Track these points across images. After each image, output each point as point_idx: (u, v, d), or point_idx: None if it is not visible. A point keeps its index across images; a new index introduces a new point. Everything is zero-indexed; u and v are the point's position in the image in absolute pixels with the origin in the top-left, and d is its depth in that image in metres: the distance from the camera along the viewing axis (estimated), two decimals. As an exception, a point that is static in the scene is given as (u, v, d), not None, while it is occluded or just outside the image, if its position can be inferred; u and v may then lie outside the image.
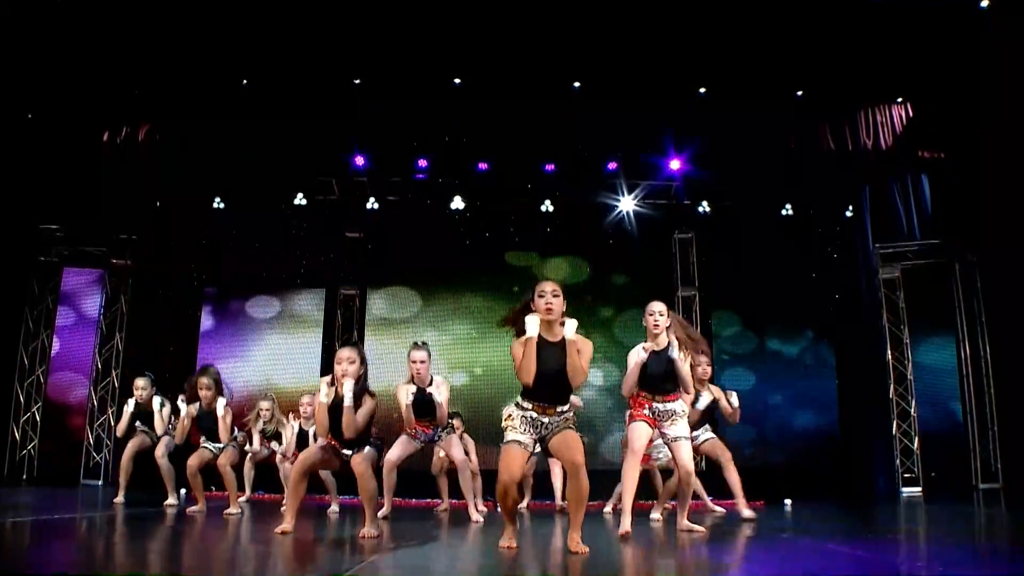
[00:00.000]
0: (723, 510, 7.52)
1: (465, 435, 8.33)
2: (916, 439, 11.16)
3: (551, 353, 4.29)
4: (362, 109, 11.02)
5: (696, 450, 6.66)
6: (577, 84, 11.05)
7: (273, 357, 11.53)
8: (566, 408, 4.32)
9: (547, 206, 12.07)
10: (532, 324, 4.27)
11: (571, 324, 4.29)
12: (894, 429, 11.20)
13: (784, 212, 12.19)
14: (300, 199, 11.95)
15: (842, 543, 4.89)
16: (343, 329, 11.57)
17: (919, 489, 10.95)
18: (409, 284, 11.98)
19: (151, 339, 11.25)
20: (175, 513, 6.51)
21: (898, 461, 11.13)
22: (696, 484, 7.27)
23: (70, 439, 11.29)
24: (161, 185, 11.56)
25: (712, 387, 6.84)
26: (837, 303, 11.98)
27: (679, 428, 5.26)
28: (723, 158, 11.50)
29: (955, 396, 11.39)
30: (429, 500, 8.61)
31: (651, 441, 5.50)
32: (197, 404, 6.75)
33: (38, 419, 11.24)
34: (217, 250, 11.86)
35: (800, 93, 11.20)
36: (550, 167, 11.83)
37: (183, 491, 7.74)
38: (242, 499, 8.41)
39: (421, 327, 11.68)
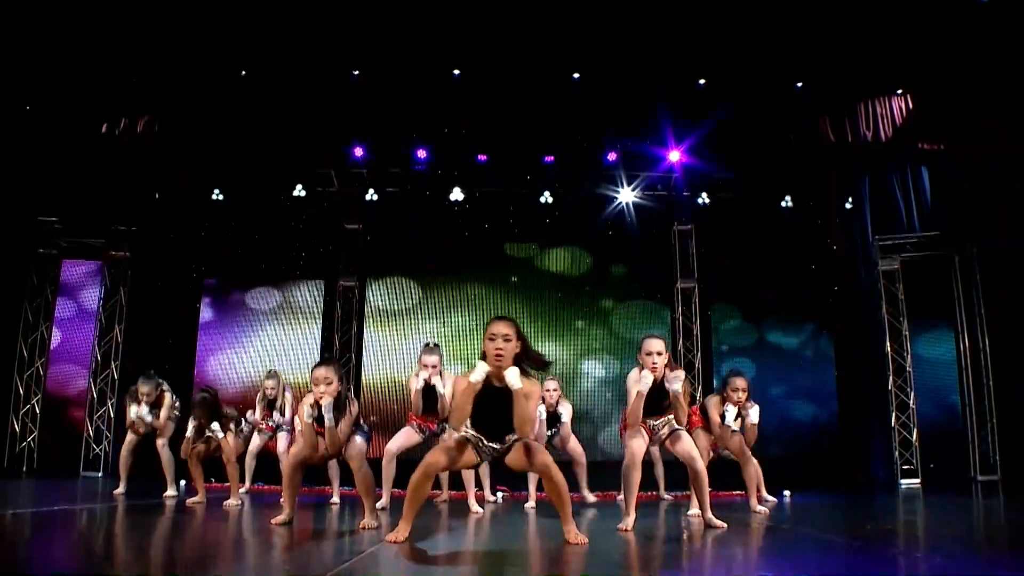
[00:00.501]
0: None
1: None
2: (915, 431, 11.17)
3: (497, 396, 4.17)
4: (361, 100, 11.00)
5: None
6: (576, 75, 11.03)
7: (272, 348, 11.52)
8: (513, 436, 4.25)
9: (546, 197, 12.05)
10: (479, 371, 4.11)
11: (512, 373, 4.09)
12: (893, 421, 11.21)
13: (784, 204, 12.18)
14: (299, 191, 11.94)
15: (841, 534, 4.90)
16: (342, 320, 11.56)
17: (917, 481, 10.96)
18: (408, 275, 11.98)
19: (150, 331, 11.25)
20: (174, 505, 6.52)
21: (897, 453, 11.14)
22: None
23: (70, 431, 11.30)
24: (160, 177, 11.54)
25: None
26: (836, 295, 11.98)
27: (671, 425, 5.20)
28: (723, 149, 11.48)
29: (954, 388, 11.41)
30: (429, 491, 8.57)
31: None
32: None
33: (38, 411, 11.24)
34: (216, 242, 11.86)
35: (800, 84, 11.18)
36: (549, 158, 11.82)
37: (183, 482, 7.74)
38: (241, 490, 8.43)
39: (420, 318, 11.69)
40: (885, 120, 11.41)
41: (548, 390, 7.34)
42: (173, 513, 5.82)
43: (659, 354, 5.05)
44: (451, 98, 11.03)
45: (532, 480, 7.37)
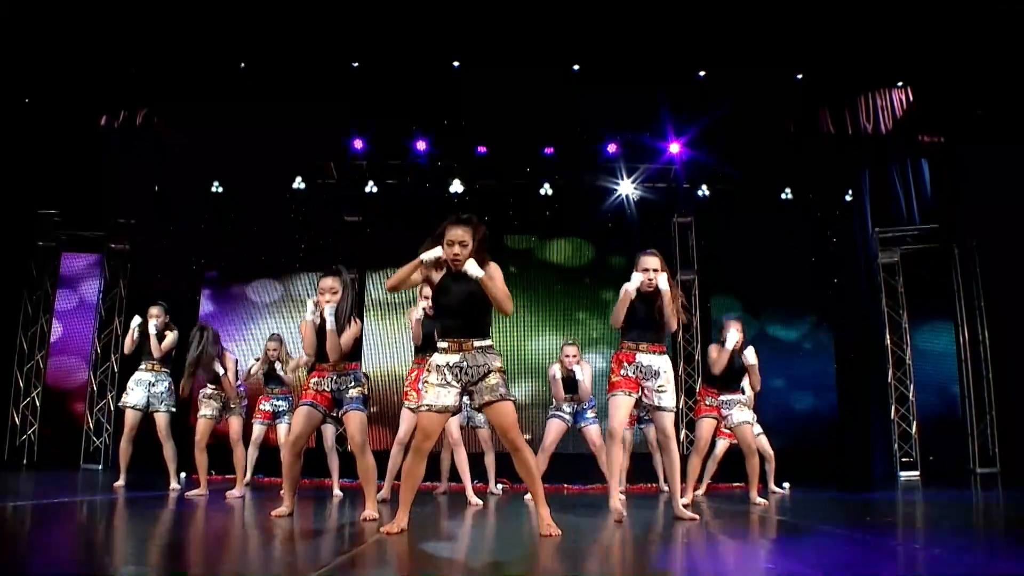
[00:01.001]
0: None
1: None
2: (914, 423, 11.19)
3: (456, 282, 4.19)
4: (360, 92, 10.97)
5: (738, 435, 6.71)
6: (576, 67, 11.00)
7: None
8: (487, 343, 4.17)
9: (546, 189, 12.04)
10: (431, 253, 4.23)
11: (470, 265, 4.12)
12: (892, 413, 11.22)
13: (784, 196, 12.17)
14: (299, 183, 11.94)
15: (840, 526, 4.90)
16: (342, 313, 11.54)
17: (917, 473, 10.98)
18: (408, 268, 11.95)
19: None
20: (176, 497, 6.52)
21: (896, 445, 11.16)
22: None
23: (70, 424, 11.31)
24: (159, 169, 11.53)
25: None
26: (836, 287, 11.99)
27: (667, 399, 4.98)
28: (723, 142, 11.46)
29: (953, 381, 11.41)
30: (427, 483, 8.52)
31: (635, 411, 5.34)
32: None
33: (38, 404, 11.25)
34: (216, 234, 11.87)
35: (800, 76, 11.16)
36: (549, 150, 11.80)
37: (183, 475, 7.74)
38: (235, 494, 8.43)
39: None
40: (885, 112, 11.38)
41: (567, 356, 7.30)
42: (174, 506, 5.83)
43: (656, 270, 4.97)
44: (450, 90, 11.00)
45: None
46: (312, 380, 5.00)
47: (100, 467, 10.86)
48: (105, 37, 9.97)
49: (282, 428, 7.84)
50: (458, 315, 4.17)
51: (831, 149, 11.64)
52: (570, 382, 7.28)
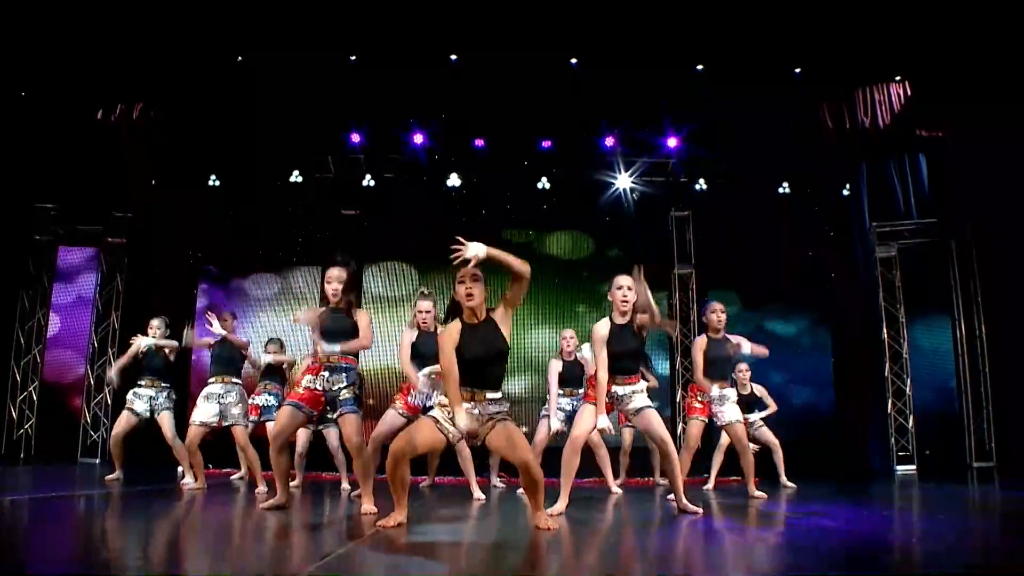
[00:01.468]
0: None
1: None
2: (911, 418, 11.20)
3: (475, 335, 4.19)
4: (358, 86, 10.95)
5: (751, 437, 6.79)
6: (574, 61, 10.99)
7: (269, 334, 11.50)
8: (497, 395, 4.20)
9: (544, 183, 12.03)
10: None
11: (476, 248, 4.09)
12: (889, 408, 11.24)
13: (781, 190, 12.16)
14: (296, 176, 11.91)
15: (837, 520, 4.91)
16: (340, 307, 11.54)
17: (913, 467, 11.00)
18: (406, 261, 11.97)
19: (147, 317, 11.20)
20: (172, 491, 6.52)
21: (893, 439, 11.18)
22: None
23: (67, 418, 11.31)
24: (156, 163, 11.51)
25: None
26: (833, 281, 11.98)
27: (639, 399, 5.08)
28: (720, 136, 11.45)
29: (950, 375, 11.41)
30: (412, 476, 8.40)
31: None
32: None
33: (35, 398, 11.25)
34: (213, 228, 11.85)
35: (798, 71, 11.15)
36: (547, 144, 11.79)
37: (180, 469, 7.73)
38: (236, 476, 8.44)
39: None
40: (883, 107, 11.38)
41: (566, 338, 7.43)
42: (169, 499, 5.82)
43: (629, 288, 5.06)
44: (448, 84, 10.99)
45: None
46: (305, 378, 5.00)
47: (97, 461, 10.86)
48: (102, 30, 9.94)
49: (271, 425, 7.83)
50: (476, 368, 4.18)
51: (829, 143, 11.63)
52: (570, 372, 7.30)
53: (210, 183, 11.86)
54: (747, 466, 6.61)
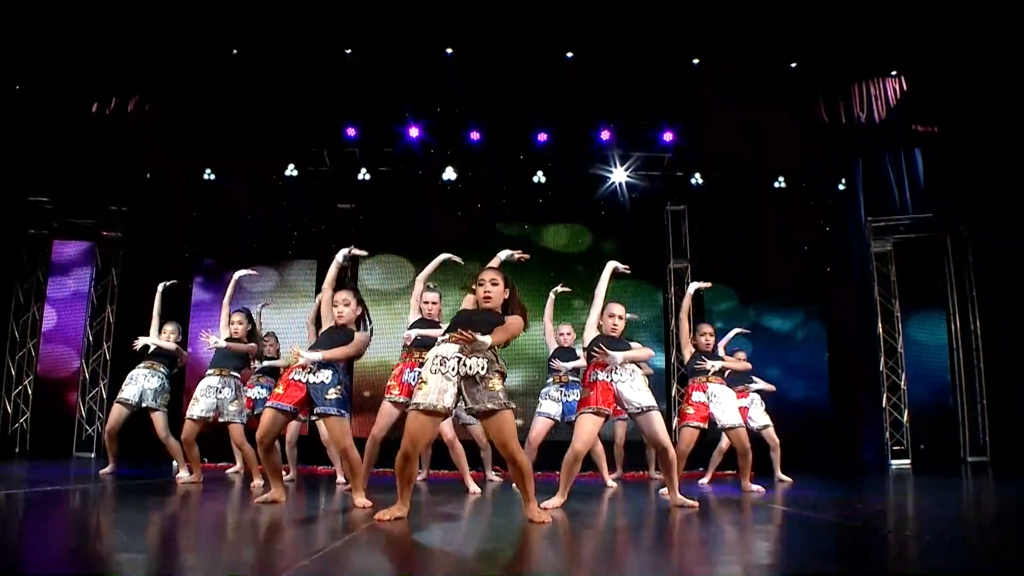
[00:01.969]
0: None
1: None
2: (906, 412, 11.22)
3: (476, 311, 4.41)
4: (353, 79, 10.93)
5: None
6: (570, 54, 10.97)
7: (264, 328, 11.48)
8: (486, 340, 4.09)
9: (539, 177, 12.01)
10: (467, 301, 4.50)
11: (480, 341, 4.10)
12: (884, 402, 11.26)
13: (777, 185, 12.15)
14: (291, 170, 11.87)
15: (831, 514, 4.92)
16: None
17: (908, 462, 11.03)
18: (401, 255, 11.95)
19: (142, 311, 11.20)
20: (168, 485, 6.51)
21: (887, 434, 11.20)
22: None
23: (62, 412, 11.29)
24: (151, 156, 11.47)
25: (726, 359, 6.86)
26: (829, 276, 11.98)
27: (644, 396, 5.12)
28: (716, 130, 11.43)
29: (945, 370, 11.43)
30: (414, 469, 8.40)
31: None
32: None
33: (30, 392, 11.23)
34: (208, 222, 11.83)
35: (794, 65, 11.15)
36: (543, 138, 11.76)
37: (175, 464, 7.72)
38: (231, 470, 8.44)
39: (414, 298, 11.66)
40: (879, 101, 11.38)
41: (562, 334, 7.63)
42: (163, 494, 5.82)
43: (621, 318, 5.49)
44: (444, 77, 10.97)
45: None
46: (292, 372, 4.97)
47: (92, 455, 10.85)
48: (97, 22, 9.91)
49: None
50: (466, 323, 4.22)
51: (825, 138, 11.63)
52: (564, 356, 7.47)
53: (205, 176, 11.83)
54: (745, 466, 6.63)
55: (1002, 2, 9.18)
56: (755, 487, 6.63)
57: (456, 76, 10.90)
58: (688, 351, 6.71)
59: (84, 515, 4.53)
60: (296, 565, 2.83)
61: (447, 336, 4.21)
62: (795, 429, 11.30)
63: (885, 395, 11.28)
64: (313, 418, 7.60)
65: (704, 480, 7.84)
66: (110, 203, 11.43)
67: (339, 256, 5.24)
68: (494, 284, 4.36)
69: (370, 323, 5.30)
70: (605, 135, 11.72)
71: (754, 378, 8.39)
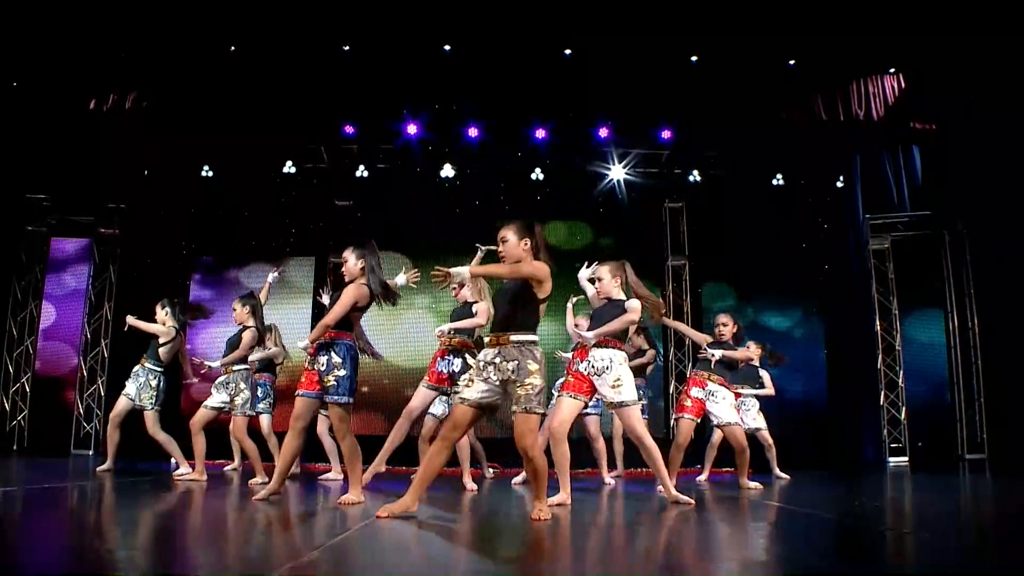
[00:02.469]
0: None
1: None
2: (903, 410, 11.23)
3: (505, 288, 4.37)
4: (351, 76, 10.91)
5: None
6: (568, 52, 10.96)
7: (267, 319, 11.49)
8: (520, 339, 4.15)
9: (537, 174, 12.00)
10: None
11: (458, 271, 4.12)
12: (882, 400, 11.27)
13: (775, 182, 12.14)
14: (289, 167, 11.86)
15: (829, 511, 4.93)
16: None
17: (905, 459, 11.04)
18: (399, 252, 11.93)
19: (140, 308, 11.18)
20: (166, 482, 6.51)
21: (885, 431, 11.21)
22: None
23: (60, 409, 11.28)
24: (149, 153, 11.45)
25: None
26: (827, 273, 11.98)
27: (626, 391, 5.18)
28: (714, 127, 11.43)
29: (943, 367, 11.44)
30: (406, 467, 8.29)
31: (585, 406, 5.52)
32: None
33: (28, 389, 11.21)
34: (206, 219, 11.82)
35: (792, 62, 11.14)
36: (540, 135, 11.75)
37: (172, 461, 7.70)
38: (230, 467, 8.42)
39: (412, 295, 11.62)
40: (877, 99, 11.37)
41: (578, 326, 7.43)
42: (161, 490, 5.81)
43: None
44: (441, 74, 10.95)
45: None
46: (308, 360, 5.10)
47: (90, 452, 10.83)
48: (95, 20, 9.89)
49: (264, 420, 7.80)
50: (498, 310, 4.31)
51: (823, 135, 11.62)
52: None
53: (203, 173, 11.82)
54: (743, 463, 6.64)
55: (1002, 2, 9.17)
56: (753, 484, 6.64)
57: (454, 73, 10.88)
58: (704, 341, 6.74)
59: (82, 512, 4.53)
60: (296, 562, 2.83)
61: (488, 339, 4.29)
62: (793, 426, 11.32)
63: (883, 392, 11.29)
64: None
65: (702, 477, 7.85)
66: (108, 200, 11.43)
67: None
68: (504, 241, 4.31)
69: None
70: (603, 132, 11.71)
71: (762, 372, 8.40)
